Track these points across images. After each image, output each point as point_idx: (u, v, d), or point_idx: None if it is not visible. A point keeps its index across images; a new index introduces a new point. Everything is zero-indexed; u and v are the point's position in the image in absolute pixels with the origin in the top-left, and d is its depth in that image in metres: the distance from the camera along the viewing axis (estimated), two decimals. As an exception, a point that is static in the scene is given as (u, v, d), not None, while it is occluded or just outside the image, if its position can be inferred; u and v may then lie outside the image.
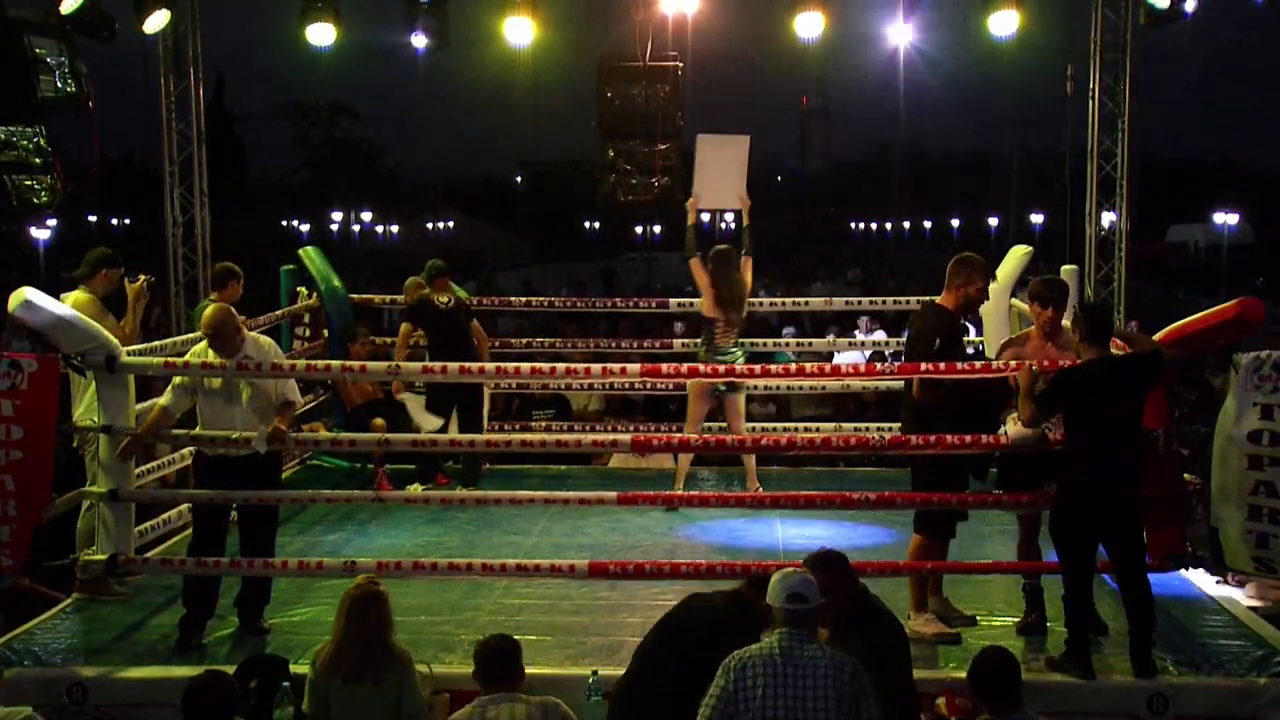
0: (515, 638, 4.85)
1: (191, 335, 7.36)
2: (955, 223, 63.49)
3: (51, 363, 6.33)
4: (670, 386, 9.94)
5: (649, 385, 9.92)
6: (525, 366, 7.10)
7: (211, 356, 6.25)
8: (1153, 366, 5.77)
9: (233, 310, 6.40)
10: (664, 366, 7.13)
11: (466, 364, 6.99)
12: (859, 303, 13.29)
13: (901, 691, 4.80)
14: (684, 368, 7.34)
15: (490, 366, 6.80)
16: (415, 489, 8.66)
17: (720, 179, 8.89)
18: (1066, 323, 6.11)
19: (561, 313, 13.89)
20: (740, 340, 8.62)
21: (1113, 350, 5.80)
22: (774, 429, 9.74)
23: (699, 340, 8.78)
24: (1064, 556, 5.77)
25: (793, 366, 6.67)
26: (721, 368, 7.40)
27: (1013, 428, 5.98)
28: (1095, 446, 5.60)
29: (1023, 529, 6.49)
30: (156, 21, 9.34)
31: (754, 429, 9.26)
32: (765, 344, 10.49)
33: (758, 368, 7.06)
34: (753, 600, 4.82)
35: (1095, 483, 5.60)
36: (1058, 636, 5.95)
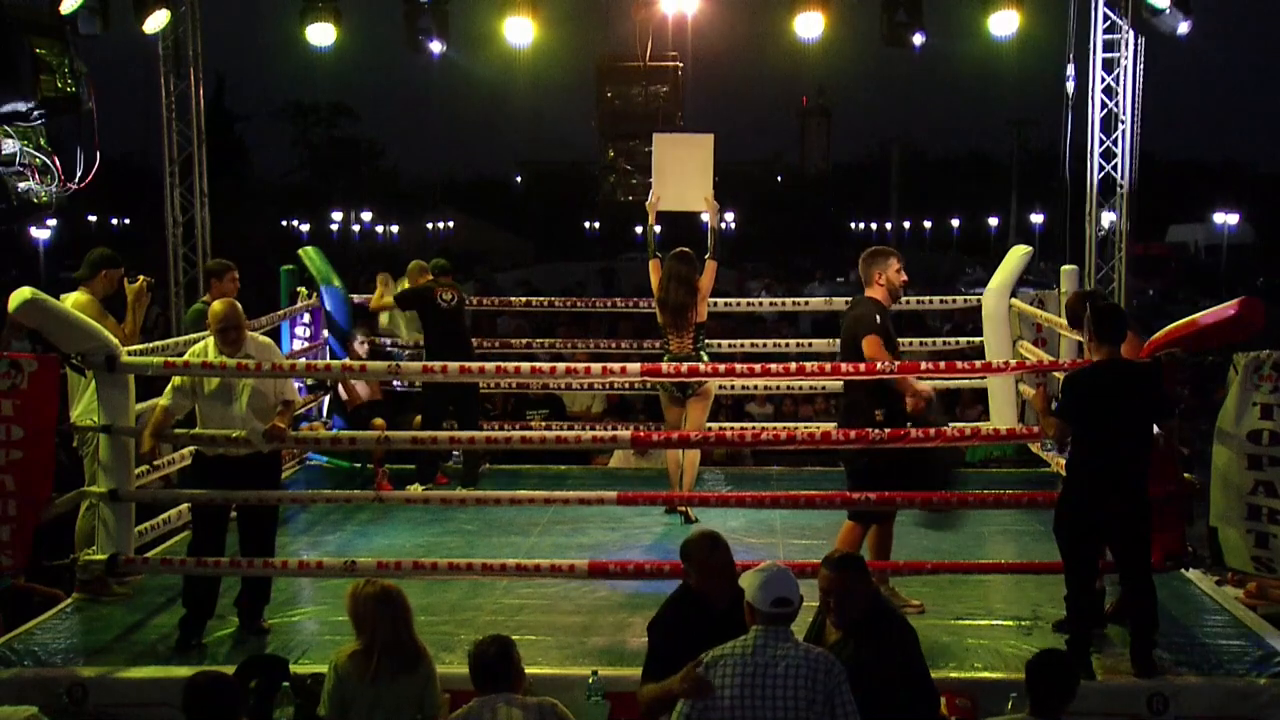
0: (508, 637, 4.81)
1: (192, 335, 7.36)
2: (955, 223, 63.48)
3: (51, 363, 6.34)
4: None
5: (649, 386, 9.91)
6: (525, 366, 7.10)
7: (213, 354, 6.26)
8: (1161, 373, 5.79)
9: (237, 304, 6.41)
10: (664, 366, 7.14)
11: (466, 364, 6.98)
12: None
13: (922, 691, 4.79)
14: (684, 367, 7.34)
15: (490, 366, 6.79)
16: (415, 489, 8.65)
17: (682, 180, 8.70)
18: None
19: (561, 312, 13.89)
20: (701, 345, 8.25)
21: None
22: (773, 427, 9.74)
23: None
24: (1066, 556, 5.76)
25: (793, 366, 6.65)
26: (723, 367, 7.37)
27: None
28: (1101, 447, 5.59)
29: None
30: (156, 21, 9.35)
31: (754, 429, 9.25)
32: (765, 344, 10.50)
33: (757, 367, 7.05)
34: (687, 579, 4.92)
35: (1100, 483, 5.59)
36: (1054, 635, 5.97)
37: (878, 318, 6.46)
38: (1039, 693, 4.63)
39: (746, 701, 4.15)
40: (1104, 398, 5.58)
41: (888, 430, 6.34)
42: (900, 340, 10.03)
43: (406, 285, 9.59)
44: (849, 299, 7.71)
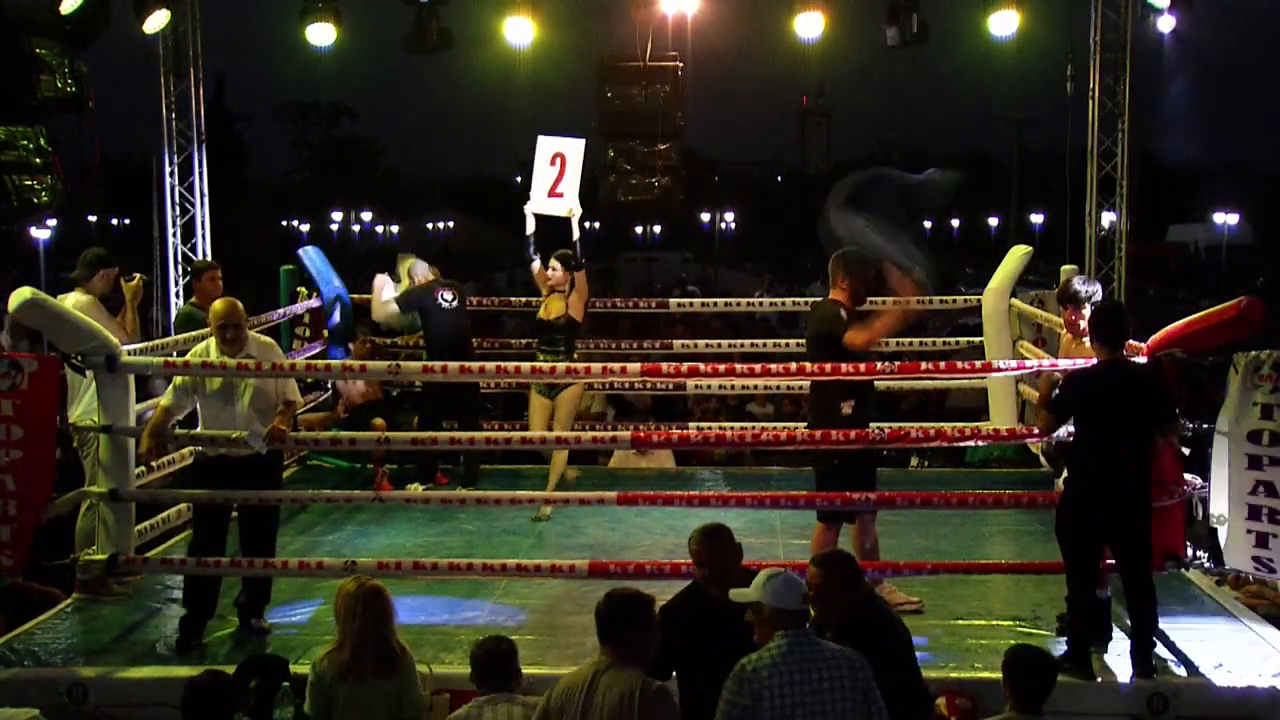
0: (512, 638, 4.84)
1: (188, 335, 7.35)
2: (955, 223, 63.47)
3: (51, 363, 6.34)
4: (670, 386, 9.94)
5: (649, 385, 9.91)
6: (526, 366, 7.09)
7: (214, 354, 6.25)
8: (1162, 376, 5.80)
9: (238, 303, 6.40)
10: (664, 366, 7.13)
11: (467, 364, 6.98)
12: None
13: (913, 692, 4.79)
14: (684, 367, 7.33)
15: (490, 366, 6.79)
16: (415, 489, 8.65)
17: (551, 183, 8.55)
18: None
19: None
20: None
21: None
22: (773, 427, 9.73)
23: (539, 343, 8.45)
24: (1067, 556, 5.76)
25: (793, 366, 6.65)
26: (723, 367, 7.38)
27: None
28: (1102, 447, 5.59)
29: None
30: (156, 21, 9.34)
31: (754, 429, 9.26)
32: (765, 344, 10.50)
33: (757, 367, 7.05)
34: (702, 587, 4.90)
35: (1101, 483, 5.59)
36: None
37: (843, 313, 6.47)
38: (1018, 688, 4.65)
39: (796, 708, 4.12)
40: (1106, 398, 5.58)
41: (888, 430, 6.35)
42: (899, 340, 10.05)
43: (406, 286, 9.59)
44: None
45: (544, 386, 8.30)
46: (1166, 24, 9.41)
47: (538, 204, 8.59)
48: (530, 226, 8.65)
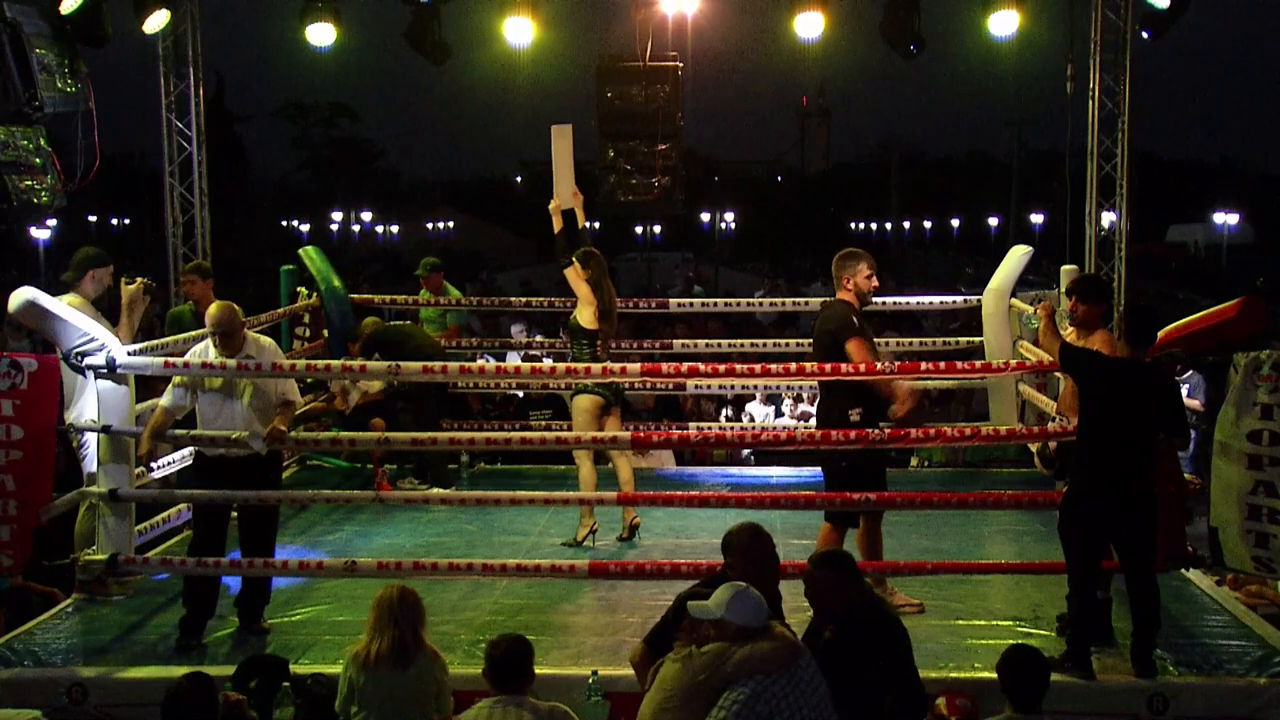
0: (525, 638, 4.84)
1: (186, 335, 7.35)
2: (955, 223, 63.47)
3: (51, 363, 6.34)
4: (669, 386, 9.94)
5: (649, 385, 9.91)
6: (525, 366, 7.09)
7: (214, 354, 6.25)
8: (1168, 374, 5.82)
9: (235, 307, 6.39)
10: (664, 366, 7.13)
11: (467, 364, 6.99)
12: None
13: (909, 690, 4.80)
14: (684, 367, 7.33)
15: (490, 366, 6.79)
16: (425, 489, 8.63)
17: (562, 173, 8.21)
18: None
19: (562, 313, 13.87)
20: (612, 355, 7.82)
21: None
22: (773, 428, 9.73)
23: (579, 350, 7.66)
24: (1070, 555, 5.76)
25: (793, 366, 6.65)
26: (723, 367, 7.38)
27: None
28: (1109, 447, 5.58)
29: None
30: (156, 21, 9.33)
31: (754, 429, 9.26)
32: (765, 344, 10.49)
33: (757, 367, 7.05)
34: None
35: (1106, 482, 5.58)
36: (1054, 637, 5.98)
37: (854, 319, 6.45)
38: (1014, 688, 4.66)
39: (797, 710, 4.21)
40: (1121, 395, 5.56)
41: (888, 430, 6.35)
42: (899, 340, 10.04)
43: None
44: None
45: (611, 396, 7.58)
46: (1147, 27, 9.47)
47: (564, 198, 8.16)
48: (557, 225, 8.08)
